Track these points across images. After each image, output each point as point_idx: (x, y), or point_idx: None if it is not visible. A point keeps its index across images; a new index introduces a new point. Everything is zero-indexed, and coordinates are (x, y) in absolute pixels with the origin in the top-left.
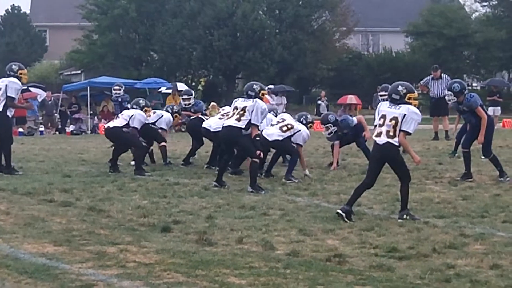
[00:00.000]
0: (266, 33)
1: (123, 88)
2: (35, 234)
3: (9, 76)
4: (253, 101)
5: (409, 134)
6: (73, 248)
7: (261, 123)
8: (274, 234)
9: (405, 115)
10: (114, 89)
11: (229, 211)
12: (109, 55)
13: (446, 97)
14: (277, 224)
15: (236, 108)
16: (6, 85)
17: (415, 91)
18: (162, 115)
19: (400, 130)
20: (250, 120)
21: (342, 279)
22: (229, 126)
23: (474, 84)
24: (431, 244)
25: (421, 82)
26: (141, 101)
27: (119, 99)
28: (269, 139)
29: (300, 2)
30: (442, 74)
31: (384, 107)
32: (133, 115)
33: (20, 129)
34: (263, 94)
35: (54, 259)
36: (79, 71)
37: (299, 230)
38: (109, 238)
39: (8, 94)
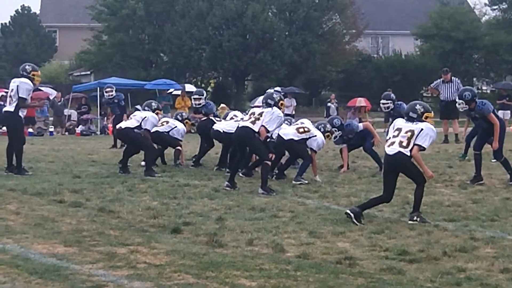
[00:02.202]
0: (276, 34)
1: (114, 88)
2: (45, 235)
3: (21, 76)
4: (271, 108)
5: (423, 149)
6: (83, 248)
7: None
8: (284, 236)
9: (422, 129)
10: (106, 91)
11: (239, 213)
12: (117, 55)
13: (457, 105)
14: (287, 226)
15: (253, 113)
16: (18, 86)
17: (432, 112)
18: (176, 126)
19: (414, 144)
20: (262, 124)
21: (353, 281)
22: (244, 126)
23: (483, 88)
24: (441, 247)
25: (431, 85)
26: (153, 104)
27: (115, 100)
28: (285, 138)
29: (311, 5)
30: (452, 77)
31: (400, 122)
32: (146, 117)
33: (30, 130)
34: (282, 104)
35: (64, 259)
36: (88, 72)
37: (309, 233)
38: (119, 239)
39: (20, 95)
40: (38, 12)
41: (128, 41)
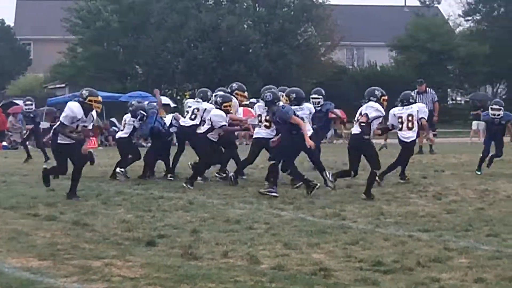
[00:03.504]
0: (252, 46)
1: (34, 103)
2: (19, 248)
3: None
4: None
5: None
6: (57, 262)
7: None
8: (259, 248)
9: None
10: (26, 104)
11: (214, 225)
12: (92, 68)
13: (257, 105)
14: (262, 238)
15: (360, 113)
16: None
17: None
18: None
19: None
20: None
21: None
22: (355, 134)
23: (458, 98)
24: (415, 258)
25: None
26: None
27: (32, 115)
28: (407, 140)
29: (286, 16)
30: (427, 88)
31: None
32: (209, 117)
33: (4, 143)
34: (384, 100)
35: (38, 273)
36: (63, 85)
37: (284, 244)
38: (93, 252)
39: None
40: (12, 24)
41: (103, 53)
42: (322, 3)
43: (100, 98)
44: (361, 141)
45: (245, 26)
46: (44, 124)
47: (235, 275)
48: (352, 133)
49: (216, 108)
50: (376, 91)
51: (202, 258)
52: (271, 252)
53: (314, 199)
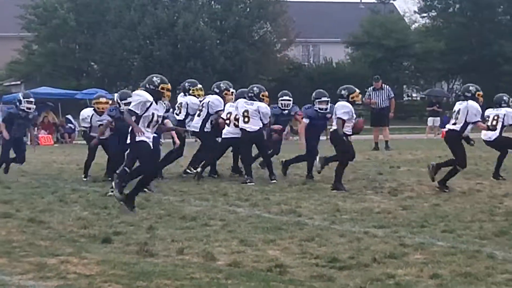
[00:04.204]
0: (208, 43)
1: None
2: None
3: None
4: (467, 102)
5: None
6: (13, 259)
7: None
8: (215, 245)
9: None
10: None
11: (170, 222)
12: (48, 65)
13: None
14: (218, 234)
15: (453, 111)
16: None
17: None
18: None
19: None
20: (465, 120)
21: None
22: (450, 130)
23: (414, 95)
24: (371, 254)
25: (365, 97)
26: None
27: None
28: (490, 140)
29: (242, 13)
30: (383, 85)
31: None
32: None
33: None
34: (478, 95)
35: None
36: (19, 82)
37: (240, 241)
38: (49, 249)
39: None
40: None
41: (59, 51)
42: None
43: (169, 86)
44: (453, 138)
45: (201, 23)
46: None
47: (191, 272)
48: (448, 128)
49: (341, 100)
50: (470, 87)
51: (158, 255)
52: (227, 249)
53: (270, 196)
